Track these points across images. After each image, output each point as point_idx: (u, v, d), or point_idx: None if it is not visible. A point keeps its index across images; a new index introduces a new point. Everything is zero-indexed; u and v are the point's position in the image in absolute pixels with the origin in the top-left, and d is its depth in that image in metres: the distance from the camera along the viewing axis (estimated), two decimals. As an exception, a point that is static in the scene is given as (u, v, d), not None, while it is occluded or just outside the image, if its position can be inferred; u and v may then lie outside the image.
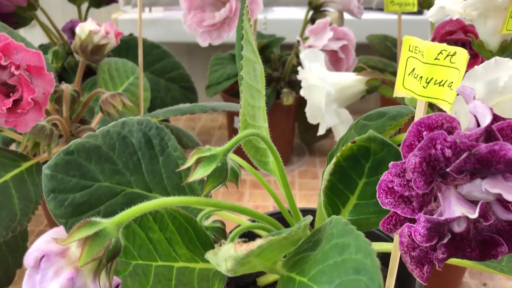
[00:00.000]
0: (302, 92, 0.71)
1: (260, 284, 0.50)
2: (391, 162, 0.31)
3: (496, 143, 0.27)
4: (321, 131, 0.70)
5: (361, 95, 0.70)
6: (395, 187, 0.31)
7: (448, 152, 0.29)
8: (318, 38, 0.81)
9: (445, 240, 0.32)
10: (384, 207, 0.32)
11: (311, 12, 0.96)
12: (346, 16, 0.99)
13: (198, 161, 0.37)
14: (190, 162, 0.38)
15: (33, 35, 1.22)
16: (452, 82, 0.34)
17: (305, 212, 0.53)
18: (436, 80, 0.35)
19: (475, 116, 0.30)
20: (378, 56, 1.05)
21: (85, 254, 0.31)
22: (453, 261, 0.50)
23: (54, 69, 0.87)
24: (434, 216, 0.30)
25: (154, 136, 0.54)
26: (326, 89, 0.66)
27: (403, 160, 0.30)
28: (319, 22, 0.81)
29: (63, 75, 0.95)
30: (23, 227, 0.54)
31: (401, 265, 0.48)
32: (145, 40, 0.97)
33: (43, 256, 0.31)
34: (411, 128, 0.31)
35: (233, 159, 0.51)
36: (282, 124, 1.02)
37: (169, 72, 0.99)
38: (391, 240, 0.52)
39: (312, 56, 0.70)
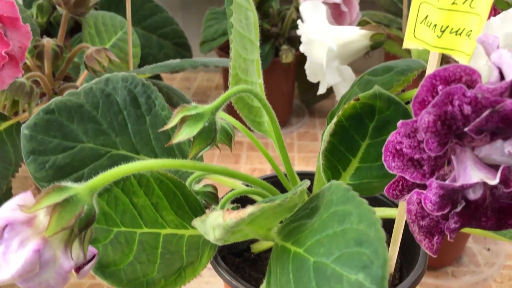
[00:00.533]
0: (301, 48, 0.66)
1: (254, 251, 0.47)
2: (400, 121, 0.27)
3: (525, 98, 0.23)
4: (321, 90, 0.66)
5: (365, 51, 0.66)
6: (404, 149, 0.28)
7: (467, 109, 0.25)
8: (319, -10, 0.75)
9: (459, 209, 0.28)
10: (390, 172, 0.28)
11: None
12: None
13: (183, 120, 0.34)
14: (174, 121, 0.34)
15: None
16: (471, 31, 0.30)
17: (303, 175, 0.50)
18: (453, 28, 0.31)
19: (499, 68, 0.26)
20: (383, 12, 0.99)
21: (53, 223, 0.27)
22: (464, 229, 0.47)
23: (39, 24, 0.82)
24: (448, 182, 0.26)
25: (140, 94, 0.50)
26: (327, 44, 0.61)
27: (414, 119, 0.27)
28: (320, -28, 0.75)
29: (50, 30, 0.90)
30: (2, 191, 0.50)
31: (404, 231, 0.45)
32: (136, -7, 0.92)
33: (6, 225, 0.27)
34: (424, 82, 0.27)
35: (226, 119, 0.47)
36: (281, 83, 0.98)
37: (161, 28, 0.94)
38: (394, 205, 0.48)
39: (313, 9, 0.65)
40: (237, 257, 0.48)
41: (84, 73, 0.66)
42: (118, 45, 0.72)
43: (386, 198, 0.49)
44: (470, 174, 0.26)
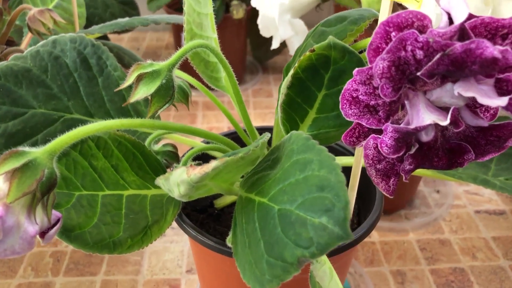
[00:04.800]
0: (253, 2, 0.65)
1: (218, 206, 0.48)
2: (356, 69, 0.28)
3: (473, 41, 0.24)
4: (275, 45, 0.66)
5: (316, 4, 0.66)
6: (360, 96, 0.29)
7: (419, 54, 0.26)
8: None
9: (413, 151, 0.30)
10: (347, 119, 0.29)
11: None
12: None
13: (139, 78, 0.33)
14: (130, 79, 0.33)
15: None
16: (420, -24, 0.31)
17: (262, 130, 0.51)
18: (403, -25, 0.31)
19: (448, 14, 0.27)
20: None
21: (14, 188, 0.27)
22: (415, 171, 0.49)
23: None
24: (403, 125, 0.27)
25: (91, 55, 0.49)
26: (278, -2, 0.61)
27: (369, 66, 0.27)
28: None
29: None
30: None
31: (360, 179, 0.47)
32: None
33: (-37, 194, 0.27)
34: (378, 29, 0.27)
35: (182, 77, 0.47)
36: (233, 40, 0.97)
37: (106, -15, 0.90)
38: (350, 154, 0.50)
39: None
40: (201, 213, 0.49)
41: (27, 36, 0.63)
42: (62, 6, 0.69)
43: (341, 147, 0.51)
44: (423, 116, 0.28)
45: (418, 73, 0.26)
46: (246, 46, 1.04)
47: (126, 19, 0.56)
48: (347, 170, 0.43)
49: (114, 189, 0.40)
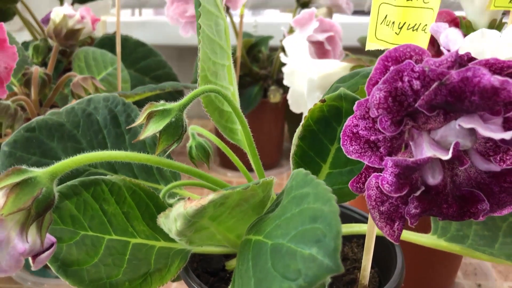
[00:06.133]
0: (284, 80, 0.68)
1: (229, 268, 0.46)
2: (356, 102, 0.28)
3: (469, 68, 0.24)
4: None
5: (346, 83, 0.67)
6: (360, 131, 0.28)
7: (416, 84, 0.25)
8: (303, 29, 0.78)
9: (418, 193, 0.28)
10: (349, 156, 0.29)
11: (299, 10, 0.94)
12: (338, 18, 0.97)
13: (150, 116, 0.34)
14: (141, 118, 0.34)
15: (22, 37, 1.20)
16: (426, 25, 0.31)
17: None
18: (409, 24, 0.32)
19: (448, 50, 0.27)
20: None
21: (10, 203, 0.27)
22: (441, 246, 0.46)
23: (35, 65, 0.85)
24: (402, 158, 0.26)
25: (121, 113, 0.51)
26: (308, 75, 0.63)
27: (367, 97, 0.27)
28: (304, 12, 0.79)
29: (45, 71, 0.92)
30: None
31: (380, 248, 0.44)
32: (130, 38, 0.95)
33: (-38, 205, 0.27)
34: (377, 64, 0.27)
35: (209, 137, 0.48)
36: (270, 125, 0.99)
37: (154, 71, 0.96)
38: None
39: (295, 42, 0.68)
40: (212, 276, 0.47)
41: (72, 103, 0.68)
42: (108, 80, 0.74)
43: (360, 215, 0.48)
44: (425, 152, 0.27)
45: (416, 105, 0.25)
46: (284, 131, 1.05)
47: (159, 84, 0.59)
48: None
49: (121, 235, 0.40)
